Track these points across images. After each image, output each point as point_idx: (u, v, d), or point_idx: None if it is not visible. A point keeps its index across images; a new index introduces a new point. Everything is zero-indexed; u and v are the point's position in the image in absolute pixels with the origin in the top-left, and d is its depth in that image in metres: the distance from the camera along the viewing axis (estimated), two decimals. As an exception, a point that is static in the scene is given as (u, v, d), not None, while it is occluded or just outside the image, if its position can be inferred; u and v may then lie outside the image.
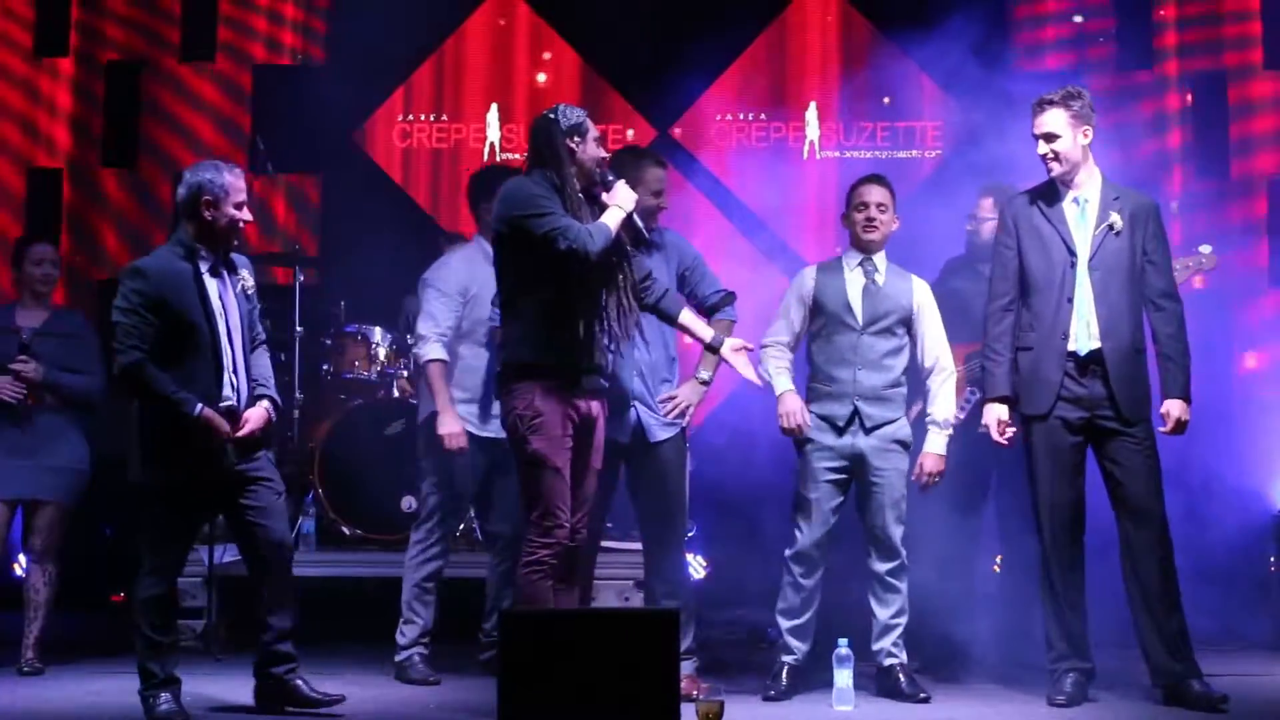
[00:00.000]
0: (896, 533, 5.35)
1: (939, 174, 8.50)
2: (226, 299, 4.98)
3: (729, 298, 5.55)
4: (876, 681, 5.36)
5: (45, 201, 8.73)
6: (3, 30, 8.81)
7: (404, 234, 7.80)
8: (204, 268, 4.94)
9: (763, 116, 8.86)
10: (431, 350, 5.70)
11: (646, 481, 5.45)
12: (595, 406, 4.89)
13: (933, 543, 5.65)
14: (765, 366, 5.46)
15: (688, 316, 5.09)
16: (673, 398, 5.38)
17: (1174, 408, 5.16)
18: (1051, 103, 5.21)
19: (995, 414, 5.27)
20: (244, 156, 8.38)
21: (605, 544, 6.12)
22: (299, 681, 5.00)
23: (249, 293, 5.09)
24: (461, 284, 5.75)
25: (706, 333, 5.08)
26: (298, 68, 8.87)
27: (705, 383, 5.46)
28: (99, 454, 6.08)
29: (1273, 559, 6.92)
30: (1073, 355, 5.16)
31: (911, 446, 5.42)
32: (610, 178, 4.90)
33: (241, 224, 4.99)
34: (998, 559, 6.48)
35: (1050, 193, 5.28)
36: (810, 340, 5.52)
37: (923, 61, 8.53)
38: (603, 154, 4.93)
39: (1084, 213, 5.23)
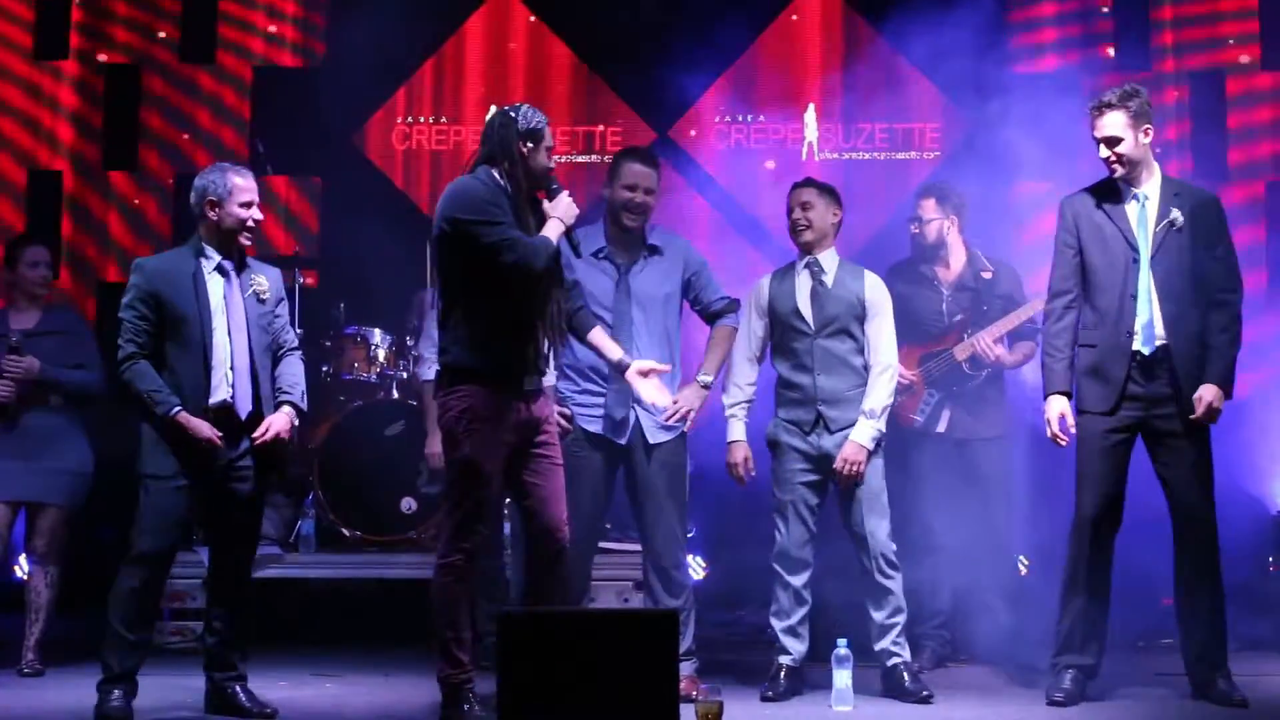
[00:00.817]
0: (879, 529, 5.36)
1: (937, 176, 8.49)
2: (231, 299, 5.01)
3: (732, 305, 5.59)
4: (882, 681, 5.37)
5: (46, 203, 8.73)
6: (3, 32, 8.81)
7: (404, 236, 7.79)
8: (208, 267, 4.99)
9: (761, 118, 8.86)
10: (428, 371, 5.76)
11: (644, 484, 5.46)
12: (541, 406, 4.89)
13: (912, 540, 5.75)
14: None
15: (598, 335, 5.10)
16: (675, 402, 5.37)
17: (1206, 392, 5.10)
18: (1110, 105, 5.14)
19: (1058, 408, 5.20)
20: (244, 158, 8.39)
21: (604, 545, 6.15)
22: (237, 689, 5.06)
23: (262, 296, 5.12)
24: None
25: (614, 353, 5.07)
26: (297, 69, 8.87)
27: (706, 387, 5.48)
28: (100, 456, 6.09)
29: (1271, 560, 6.93)
30: (1137, 353, 5.14)
31: (884, 444, 5.46)
32: (555, 187, 4.88)
33: (250, 223, 5.05)
34: (1022, 559, 6.51)
35: (1110, 190, 5.25)
36: (773, 349, 5.55)
37: (921, 63, 8.54)
38: (551, 166, 4.88)
39: (1144, 210, 5.20)
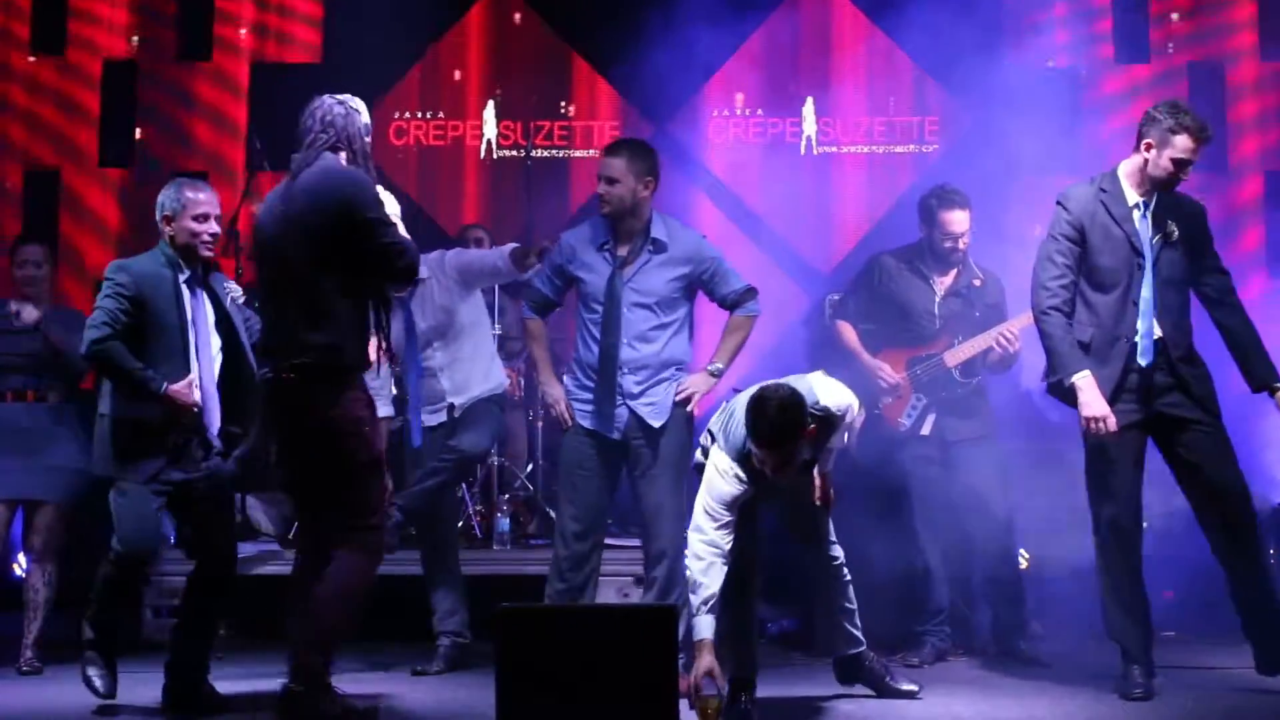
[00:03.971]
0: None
1: (935, 169, 8.48)
2: (199, 313, 5.06)
3: (748, 294, 5.57)
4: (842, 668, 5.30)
5: (42, 201, 8.72)
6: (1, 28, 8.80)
7: (401, 232, 7.78)
8: (182, 279, 5.04)
9: (760, 112, 8.85)
10: None
11: (643, 474, 5.47)
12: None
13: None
14: None
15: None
16: (682, 386, 5.47)
17: None
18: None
19: (1095, 390, 5.05)
20: (241, 155, 8.38)
21: (607, 541, 6.12)
22: (207, 689, 5.10)
23: (239, 301, 5.21)
24: None
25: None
26: (294, 65, 8.85)
27: (715, 374, 5.51)
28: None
29: (1272, 551, 6.91)
30: (1134, 358, 5.13)
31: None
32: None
33: (206, 236, 5.07)
34: (1024, 553, 6.51)
35: (1116, 193, 5.22)
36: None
37: (919, 56, 8.53)
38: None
39: (1146, 218, 5.20)
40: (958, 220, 6.01)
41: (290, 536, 6.93)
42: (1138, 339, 5.13)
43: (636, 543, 5.94)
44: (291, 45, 8.93)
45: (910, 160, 8.77)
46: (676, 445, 5.48)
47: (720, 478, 4.76)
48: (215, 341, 5.08)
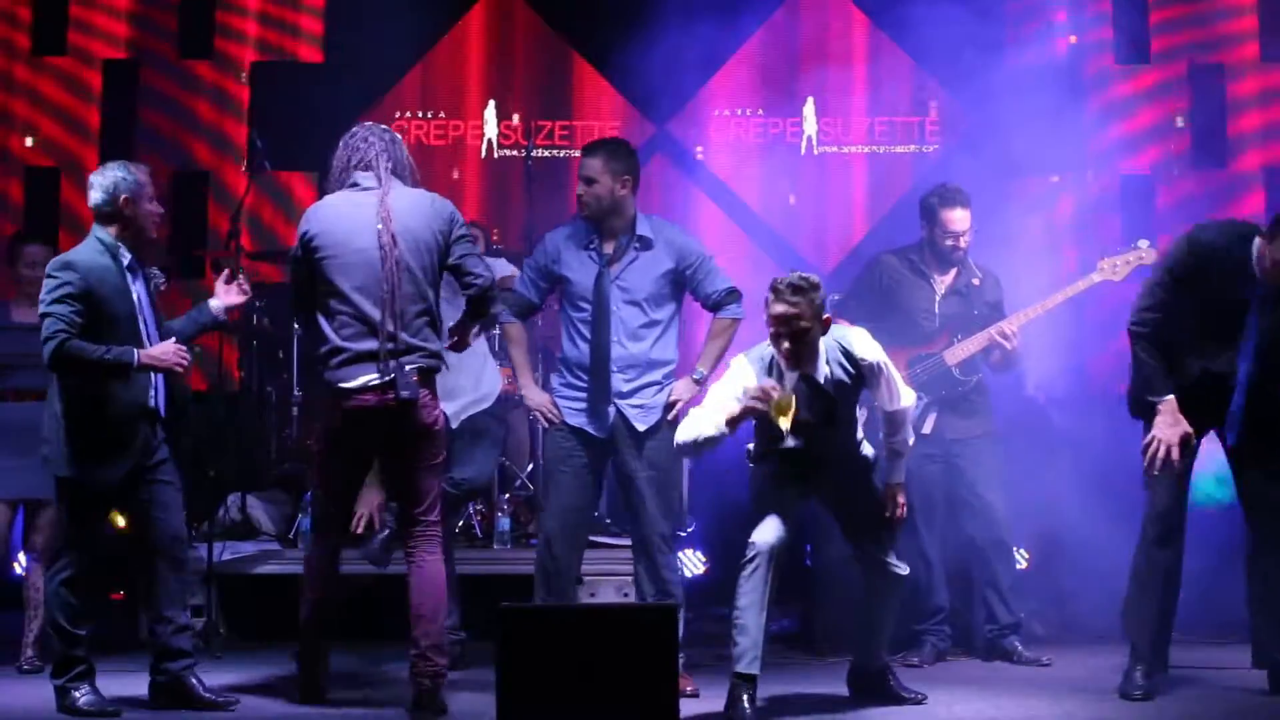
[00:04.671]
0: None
1: (936, 169, 8.49)
2: (143, 298, 5.08)
3: (731, 295, 5.54)
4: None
5: (42, 201, 8.72)
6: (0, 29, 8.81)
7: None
8: (125, 264, 5.04)
9: (760, 112, 8.85)
10: None
11: (629, 476, 5.45)
12: None
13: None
14: None
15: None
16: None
17: None
18: None
19: (1179, 427, 5.06)
20: (242, 153, 8.39)
21: (604, 540, 6.15)
22: (194, 680, 5.07)
23: (161, 288, 5.28)
24: None
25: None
26: (295, 65, 8.85)
27: (698, 380, 5.49)
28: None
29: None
30: (1210, 391, 5.08)
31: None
32: None
33: (156, 217, 5.12)
34: (1023, 553, 6.52)
35: (1238, 237, 5.07)
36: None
37: (919, 55, 8.53)
38: None
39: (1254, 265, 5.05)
40: (959, 219, 6.02)
41: (291, 535, 6.94)
42: (1234, 381, 5.06)
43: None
44: (293, 45, 8.93)
45: (910, 160, 8.77)
46: (661, 448, 5.44)
47: (731, 374, 4.94)
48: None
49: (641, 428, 5.43)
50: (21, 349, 5.94)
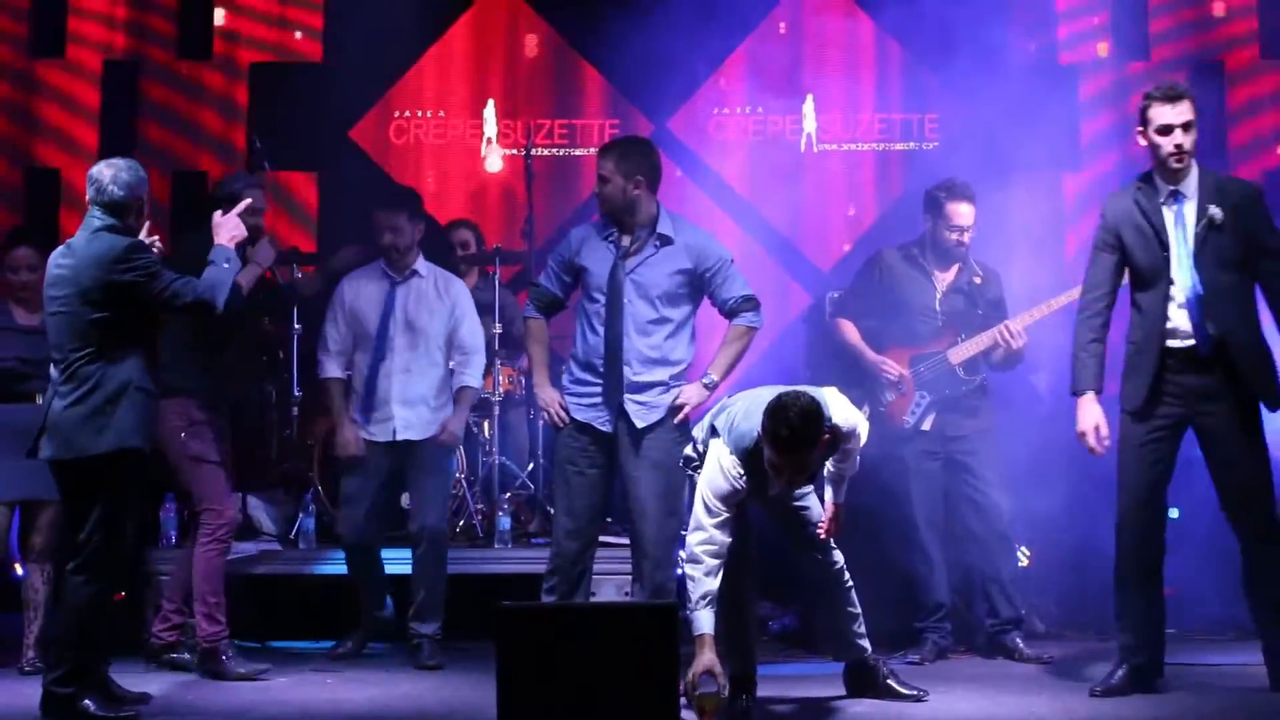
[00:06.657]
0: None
1: (935, 166, 8.48)
2: None
3: (747, 302, 5.53)
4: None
5: (43, 202, 8.71)
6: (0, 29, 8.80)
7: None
8: None
9: (760, 110, 8.84)
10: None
11: (631, 473, 5.45)
12: None
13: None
14: None
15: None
16: (677, 395, 5.46)
17: None
18: (1184, 94, 5.02)
19: (1093, 415, 5.13)
20: (241, 154, 8.38)
21: (605, 539, 6.14)
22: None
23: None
24: None
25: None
26: (295, 65, 8.85)
27: (708, 386, 5.49)
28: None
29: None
30: (1174, 351, 5.06)
31: None
32: None
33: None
34: (1024, 550, 6.51)
35: (1148, 189, 5.13)
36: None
37: (919, 53, 8.52)
38: None
39: (1183, 209, 5.08)
40: (964, 213, 6.02)
41: (291, 535, 6.94)
42: (1175, 327, 5.04)
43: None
44: (293, 44, 8.92)
45: (910, 157, 8.76)
46: (662, 449, 5.43)
47: (722, 474, 4.76)
48: None
49: (640, 425, 5.43)
50: (20, 351, 5.95)
